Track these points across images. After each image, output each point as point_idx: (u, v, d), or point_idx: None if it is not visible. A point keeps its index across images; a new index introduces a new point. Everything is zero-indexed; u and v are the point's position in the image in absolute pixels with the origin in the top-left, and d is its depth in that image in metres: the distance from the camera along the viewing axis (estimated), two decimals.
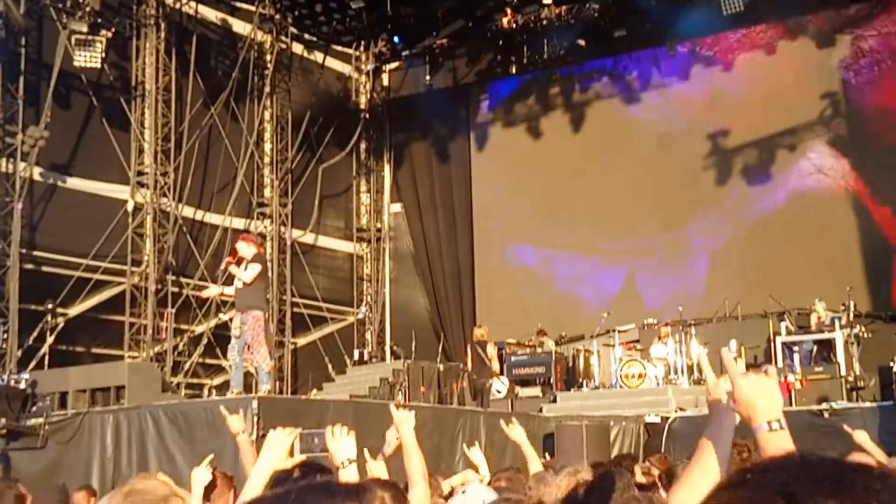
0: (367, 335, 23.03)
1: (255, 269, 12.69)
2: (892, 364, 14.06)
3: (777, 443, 2.36)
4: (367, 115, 23.74)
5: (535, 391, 17.88)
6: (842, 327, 16.17)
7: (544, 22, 20.73)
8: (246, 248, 12.96)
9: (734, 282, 19.26)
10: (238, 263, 12.78)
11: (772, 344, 16.81)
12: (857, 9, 19.19)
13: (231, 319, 13.26)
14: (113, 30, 17.55)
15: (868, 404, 14.45)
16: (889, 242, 18.35)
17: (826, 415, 13.17)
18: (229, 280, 13.20)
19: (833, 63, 19.39)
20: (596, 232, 20.77)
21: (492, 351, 17.85)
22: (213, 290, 14.89)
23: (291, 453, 4.33)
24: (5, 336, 15.99)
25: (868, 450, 6.93)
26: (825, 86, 19.40)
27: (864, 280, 18.40)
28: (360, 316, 23.10)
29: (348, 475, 4.59)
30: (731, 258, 19.81)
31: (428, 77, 22.90)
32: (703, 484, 2.39)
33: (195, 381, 16.86)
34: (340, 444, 4.58)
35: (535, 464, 6.31)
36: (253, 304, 12.68)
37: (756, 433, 2.40)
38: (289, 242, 21.35)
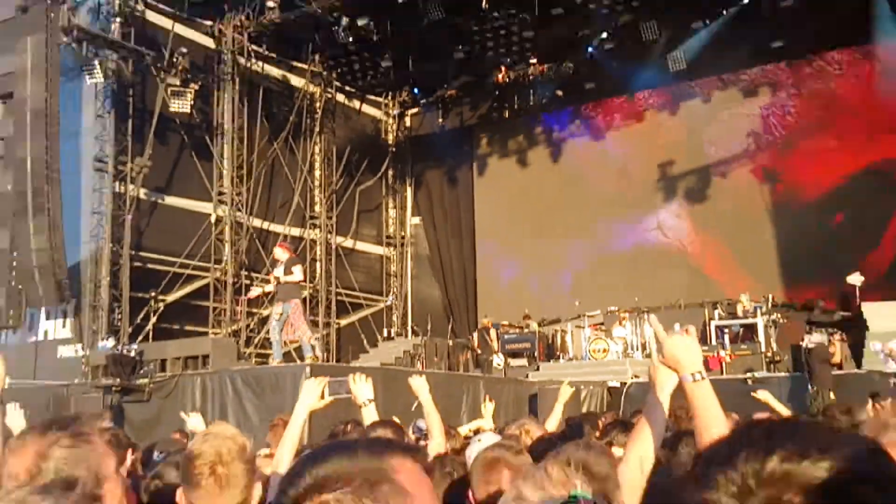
0: (394, 318, 23.14)
1: (300, 270, 12.91)
2: (801, 343, 14.11)
3: (700, 391, 2.34)
4: (394, 149, 23.74)
5: (523, 362, 17.91)
6: (762, 314, 16.36)
7: (531, 77, 20.79)
8: (281, 253, 13.19)
9: (677, 279, 19.22)
10: (273, 265, 13.06)
11: (707, 327, 16.67)
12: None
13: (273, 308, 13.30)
14: (199, 83, 17.68)
15: (783, 374, 14.58)
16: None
17: (749, 382, 13.23)
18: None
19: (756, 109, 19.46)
20: (570, 240, 20.82)
21: (493, 334, 18.08)
22: (255, 292, 14.93)
23: (323, 396, 4.35)
24: (119, 317, 16.21)
25: (772, 406, 7.07)
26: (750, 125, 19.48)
27: (779, 274, 18.51)
28: (388, 303, 23.17)
29: (369, 412, 4.75)
30: (675, 260, 19.83)
31: (440, 120, 23.00)
32: (647, 432, 2.43)
33: (262, 351, 16.98)
34: (361, 388, 4.76)
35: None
36: (292, 295, 12.83)
37: (683, 384, 2.37)
38: (333, 246, 21.37)
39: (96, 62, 16.08)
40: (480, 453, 2.85)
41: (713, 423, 2.29)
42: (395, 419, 5.88)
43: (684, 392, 2.37)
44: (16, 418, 4.96)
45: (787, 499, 0.78)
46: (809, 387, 12.66)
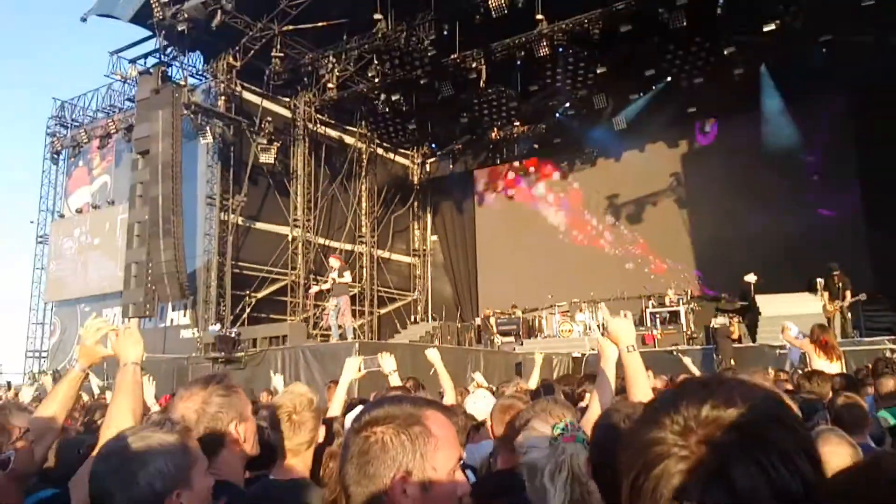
0: (418, 308, 23.08)
1: (348, 275, 13.05)
2: (709, 324, 14.04)
3: (632, 359, 2.36)
4: (418, 187, 23.72)
5: (511, 339, 17.75)
6: (683, 304, 16.28)
7: (515, 135, 20.85)
8: (335, 262, 13.31)
9: (622, 278, 19.15)
10: (329, 270, 13.32)
11: (644, 313, 16.64)
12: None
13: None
14: (280, 142, 17.82)
15: (697, 348, 14.46)
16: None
17: (674, 353, 13.16)
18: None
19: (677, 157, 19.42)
20: (544, 249, 20.77)
21: (492, 321, 18.03)
22: (315, 289, 15.03)
23: (360, 369, 4.48)
24: (223, 308, 16.33)
25: (690, 369, 7.05)
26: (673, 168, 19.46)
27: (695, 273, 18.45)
28: (414, 297, 23.13)
29: (394, 379, 4.79)
30: (620, 264, 19.77)
31: (451, 166, 22.90)
32: (603, 388, 2.39)
33: (324, 333, 17.04)
34: (386, 362, 4.81)
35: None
36: (343, 293, 12.92)
37: (620, 354, 2.39)
38: (375, 257, 21.39)
39: (207, 128, 16.26)
40: (498, 401, 2.86)
41: (640, 382, 2.34)
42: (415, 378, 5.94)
43: (621, 359, 2.39)
44: (147, 388, 5.00)
45: (718, 436, 0.76)
46: (714, 356, 12.59)
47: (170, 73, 16.36)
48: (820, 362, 6.92)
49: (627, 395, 2.31)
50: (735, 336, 13.65)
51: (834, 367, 6.95)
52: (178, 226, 15.21)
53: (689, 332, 15.68)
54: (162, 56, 16.27)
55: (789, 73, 16.29)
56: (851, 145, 16.81)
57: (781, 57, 16.05)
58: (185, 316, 17.17)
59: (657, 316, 16.32)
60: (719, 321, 13.52)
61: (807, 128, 17.11)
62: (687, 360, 7.27)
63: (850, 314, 13.97)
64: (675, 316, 16.14)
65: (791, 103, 16.94)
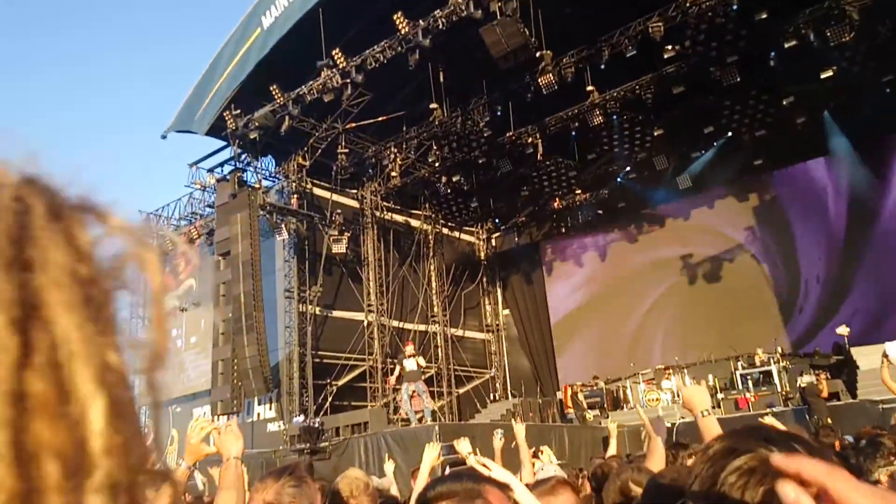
0: (497, 385, 22.85)
1: (422, 360, 13.30)
2: (798, 383, 13.46)
3: (708, 423, 2.41)
4: (485, 263, 23.95)
5: (596, 412, 17.41)
6: (774, 363, 15.70)
7: (577, 203, 20.99)
8: (408, 348, 13.61)
9: (706, 340, 18.56)
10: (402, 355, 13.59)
11: (733, 375, 16.10)
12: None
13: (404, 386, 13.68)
14: (350, 232, 18.63)
15: (793, 408, 13.86)
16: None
17: (770, 415, 12.64)
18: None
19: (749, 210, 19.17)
20: (621, 316, 20.52)
21: (580, 397, 17.74)
22: (391, 379, 15.19)
23: (439, 456, 4.55)
24: (307, 399, 16.74)
25: (776, 427, 6.83)
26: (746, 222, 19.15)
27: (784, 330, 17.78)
28: (492, 374, 22.90)
29: (471, 461, 4.86)
30: (702, 326, 19.23)
31: (516, 239, 23.23)
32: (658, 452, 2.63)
33: (406, 417, 17.14)
34: (462, 446, 4.89)
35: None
36: (414, 379, 13.15)
37: (697, 420, 2.44)
38: (449, 336, 21.50)
39: (282, 225, 17.25)
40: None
41: None
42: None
43: (698, 425, 2.44)
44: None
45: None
46: (807, 416, 12.05)
47: (245, 178, 17.57)
48: None
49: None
50: (825, 393, 13.00)
51: None
52: (260, 321, 15.94)
53: (784, 393, 15.01)
54: (237, 163, 17.57)
55: (855, 116, 16.08)
56: None
57: (844, 101, 15.91)
58: (270, 409, 17.62)
59: (748, 377, 15.71)
60: (805, 380, 13.01)
61: (880, 168, 16.69)
62: (772, 419, 7.02)
63: None
64: (767, 376, 15.50)
65: (860, 146, 16.63)
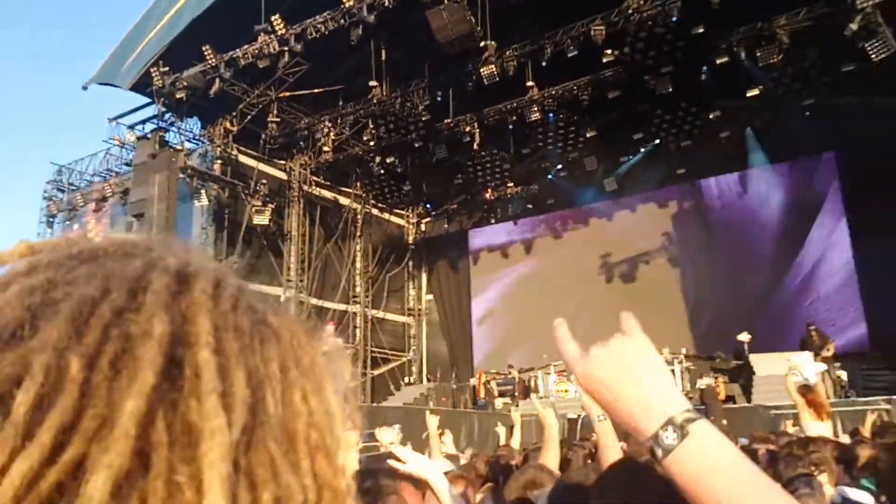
0: (413, 369, 23.07)
1: (340, 341, 13.21)
2: (698, 385, 14.16)
3: (604, 428, 2.44)
4: (413, 247, 24.05)
5: (507, 400, 17.82)
6: (678, 364, 16.41)
7: (509, 195, 21.33)
8: (330, 328, 13.56)
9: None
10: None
11: None
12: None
13: None
14: (275, 203, 18.30)
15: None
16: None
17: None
18: None
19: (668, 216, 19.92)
20: (538, 308, 20.86)
21: (493, 385, 18.06)
22: None
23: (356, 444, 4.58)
24: None
25: None
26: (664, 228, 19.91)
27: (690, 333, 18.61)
28: (409, 358, 23.14)
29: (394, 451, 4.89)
30: (612, 324, 19.83)
31: (446, 225, 23.38)
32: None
33: None
34: (384, 434, 4.91)
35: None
36: None
37: (594, 424, 2.48)
38: (369, 317, 21.53)
39: (203, 191, 16.75)
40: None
41: (609, 451, 2.47)
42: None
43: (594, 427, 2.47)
44: None
45: None
46: (707, 416, 12.69)
47: (167, 138, 16.90)
48: (809, 421, 7.12)
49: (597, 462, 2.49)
50: (722, 396, 13.75)
51: (824, 426, 7.16)
52: None
53: (685, 392, 15.70)
54: (160, 122, 16.90)
55: (775, 135, 16.96)
56: (840, 204, 17.33)
57: (766, 120, 16.76)
58: None
59: None
60: (705, 382, 13.68)
61: (795, 187, 17.70)
62: None
63: (842, 372, 14.21)
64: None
65: (778, 164, 17.59)
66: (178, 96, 15.54)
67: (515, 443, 6.37)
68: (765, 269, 17.66)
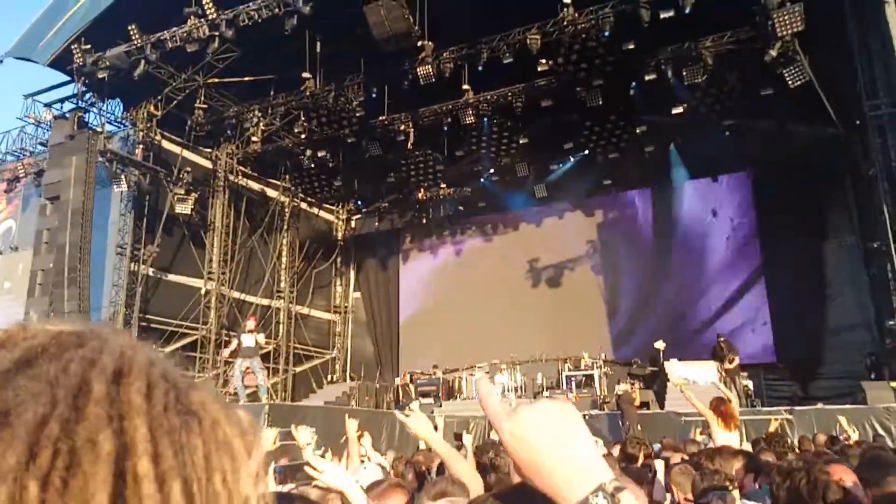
0: (336, 367, 22.84)
1: (262, 337, 13.00)
2: (616, 390, 14.59)
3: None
4: (342, 243, 23.85)
5: (430, 401, 17.72)
6: (597, 368, 16.89)
7: (441, 196, 21.35)
8: (250, 323, 13.32)
9: (541, 339, 19.53)
10: (243, 329, 13.28)
11: (560, 376, 17.20)
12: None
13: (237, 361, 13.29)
14: (198, 192, 17.80)
15: (609, 412, 14.92)
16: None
17: (586, 418, 13.54)
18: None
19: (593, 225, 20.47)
20: (466, 310, 21.10)
21: (411, 387, 18.11)
22: (225, 352, 14.84)
23: (275, 441, 4.48)
24: None
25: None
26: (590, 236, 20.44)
27: (610, 338, 19.14)
28: (333, 356, 22.91)
29: (308, 453, 4.83)
30: (538, 326, 20.18)
31: (377, 223, 23.17)
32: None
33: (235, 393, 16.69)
34: (302, 434, 4.84)
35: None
36: (250, 356, 12.87)
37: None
38: (293, 313, 21.21)
39: (123, 176, 16.13)
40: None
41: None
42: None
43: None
44: None
45: None
46: (620, 422, 13.09)
47: (86, 119, 16.23)
48: (719, 430, 7.48)
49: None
50: (637, 402, 14.20)
51: (733, 435, 7.53)
52: (85, 275, 14.88)
53: (602, 397, 16.23)
54: (79, 101, 16.20)
55: (696, 152, 17.72)
56: (753, 221, 18.25)
57: (689, 137, 17.48)
58: None
59: (573, 379, 16.86)
60: (621, 388, 14.08)
61: (712, 203, 18.55)
62: None
63: (749, 381, 14.98)
64: (590, 379, 16.71)
65: (698, 179, 18.39)
66: (99, 76, 14.92)
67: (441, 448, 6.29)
68: (682, 280, 18.40)
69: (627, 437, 11.77)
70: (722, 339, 14.91)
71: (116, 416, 0.44)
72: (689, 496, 3.99)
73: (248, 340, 12.82)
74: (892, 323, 13.07)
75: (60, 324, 0.51)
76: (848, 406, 12.03)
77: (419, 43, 14.08)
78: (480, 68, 15.45)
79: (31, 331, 0.50)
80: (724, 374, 14.17)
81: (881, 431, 9.78)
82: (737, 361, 14.22)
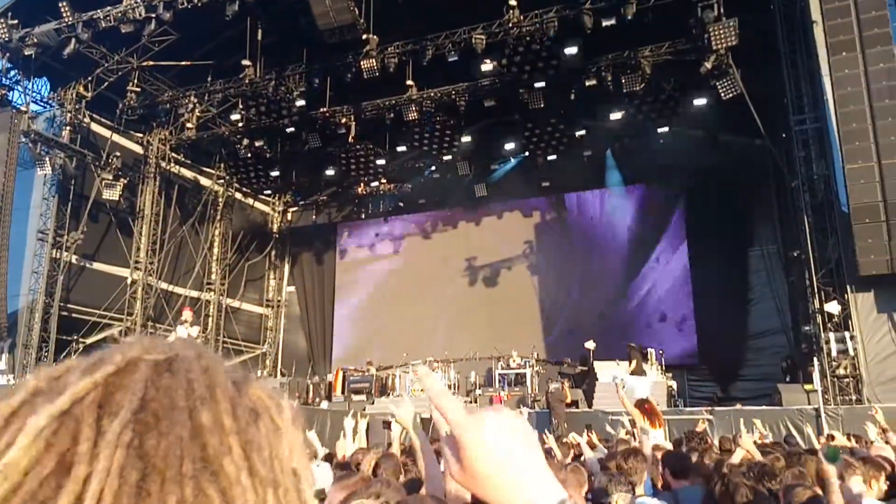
0: (267, 362, 22.53)
1: (195, 329, 12.80)
2: (548, 388, 14.90)
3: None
4: (277, 235, 23.52)
5: (363, 397, 17.74)
6: (529, 366, 17.22)
7: (381, 191, 21.42)
8: (187, 314, 13.08)
9: (473, 338, 19.73)
10: (177, 320, 13.03)
11: (493, 374, 17.46)
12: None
13: None
14: (128, 178, 17.30)
15: (541, 410, 15.24)
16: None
17: (521, 413, 13.76)
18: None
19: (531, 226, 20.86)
20: (402, 307, 21.16)
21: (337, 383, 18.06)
22: None
23: None
24: (47, 354, 15.28)
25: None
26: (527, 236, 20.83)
27: (542, 337, 19.56)
28: (264, 350, 22.59)
29: None
30: (472, 325, 20.44)
31: (314, 216, 23.07)
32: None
33: None
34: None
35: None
36: None
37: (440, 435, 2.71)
38: (224, 306, 20.82)
39: (47, 158, 15.45)
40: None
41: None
42: None
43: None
44: None
45: None
46: (551, 419, 13.41)
47: (10, 98, 15.47)
48: (647, 428, 7.81)
49: None
50: (568, 400, 14.54)
51: (658, 432, 7.88)
52: (3, 261, 14.25)
53: (533, 395, 16.57)
54: (3, 78, 15.40)
55: (631, 158, 18.33)
56: (682, 227, 18.99)
57: (625, 143, 18.07)
58: (0, 361, 15.82)
59: (505, 378, 17.12)
60: (553, 386, 14.40)
61: (645, 208, 19.22)
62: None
63: (674, 383, 15.64)
64: (522, 378, 17.00)
65: (632, 185, 19.02)
66: (26, 53, 14.27)
67: (362, 443, 6.45)
68: (613, 282, 18.99)
69: (555, 434, 12.13)
70: (632, 343, 15.49)
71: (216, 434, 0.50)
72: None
73: (182, 333, 12.57)
74: (807, 328, 13.89)
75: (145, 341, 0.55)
76: (765, 407, 12.73)
77: (364, 36, 14.05)
78: (425, 64, 15.53)
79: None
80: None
81: (794, 432, 10.37)
82: (634, 364, 14.82)
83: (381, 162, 19.38)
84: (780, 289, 17.09)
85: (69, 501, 0.43)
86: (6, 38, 13.99)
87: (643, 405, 8.07)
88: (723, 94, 14.26)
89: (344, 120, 17.73)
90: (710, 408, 13.55)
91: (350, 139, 18.01)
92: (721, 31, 13.03)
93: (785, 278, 16.84)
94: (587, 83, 15.76)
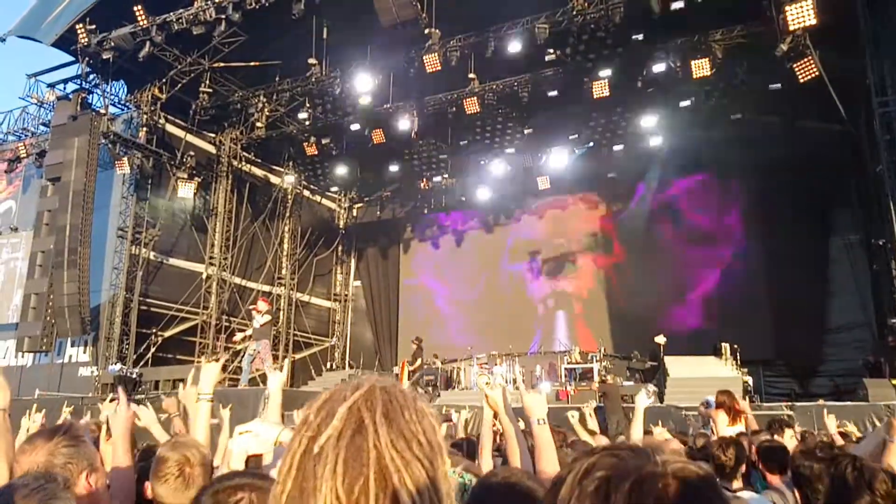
0: (336, 354, 22.75)
1: (267, 318, 12.87)
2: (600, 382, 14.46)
3: (542, 431, 2.40)
4: (343, 231, 23.71)
5: (428, 389, 17.75)
6: (597, 361, 16.79)
7: (444, 186, 21.23)
8: (263, 305, 13.17)
9: (544, 335, 19.50)
10: (251, 312, 13.12)
11: (560, 368, 17.02)
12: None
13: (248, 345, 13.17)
14: (201, 177, 17.69)
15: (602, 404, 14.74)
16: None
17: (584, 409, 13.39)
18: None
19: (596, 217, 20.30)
20: (467, 300, 21.05)
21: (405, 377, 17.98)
22: (239, 336, 14.58)
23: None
24: (127, 346, 15.78)
25: (575, 429, 6.89)
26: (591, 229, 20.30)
27: (610, 330, 19.04)
28: (332, 343, 22.80)
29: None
30: (539, 319, 20.11)
31: (379, 212, 23.16)
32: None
33: (233, 377, 16.56)
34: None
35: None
36: (263, 336, 12.77)
37: (531, 426, 2.43)
38: (294, 300, 21.10)
39: (125, 158, 15.99)
40: None
41: (547, 455, 2.38)
42: None
43: (531, 429, 2.42)
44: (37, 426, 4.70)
45: None
46: (608, 416, 12.93)
47: (90, 101, 16.03)
48: (724, 425, 7.35)
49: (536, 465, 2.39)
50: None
51: (737, 428, 7.39)
52: (85, 257, 14.75)
53: (599, 391, 16.13)
54: (83, 82, 15.97)
55: (701, 147, 17.54)
56: (759, 217, 18.03)
57: (695, 131, 17.30)
58: (84, 353, 16.42)
59: (572, 372, 16.76)
60: (609, 381, 13.97)
61: (719, 198, 18.38)
62: (575, 421, 7.08)
63: (750, 378, 14.87)
64: (589, 372, 16.62)
65: (703, 174, 18.21)
66: (104, 57, 14.72)
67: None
68: (682, 275, 18.24)
69: (613, 429, 11.66)
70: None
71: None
72: None
73: (256, 322, 12.76)
74: (893, 321, 12.97)
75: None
76: (849, 403, 11.96)
77: (426, 31, 13.88)
78: (487, 56, 15.25)
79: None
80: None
81: None
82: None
83: (443, 156, 19.22)
84: (862, 280, 16.05)
85: (365, 439, 0.84)
86: (86, 43, 14.45)
87: (728, 402, 7.58)
88: (800, 78, 13.46)
89: (407, 115, 17.63)
90: (789, 403, 12.89)
91: (413, 135, 17.90)
92: (797, 12, 12.28)
93: (868, 268, 15.80)
94: (654, 69, 15.14)
